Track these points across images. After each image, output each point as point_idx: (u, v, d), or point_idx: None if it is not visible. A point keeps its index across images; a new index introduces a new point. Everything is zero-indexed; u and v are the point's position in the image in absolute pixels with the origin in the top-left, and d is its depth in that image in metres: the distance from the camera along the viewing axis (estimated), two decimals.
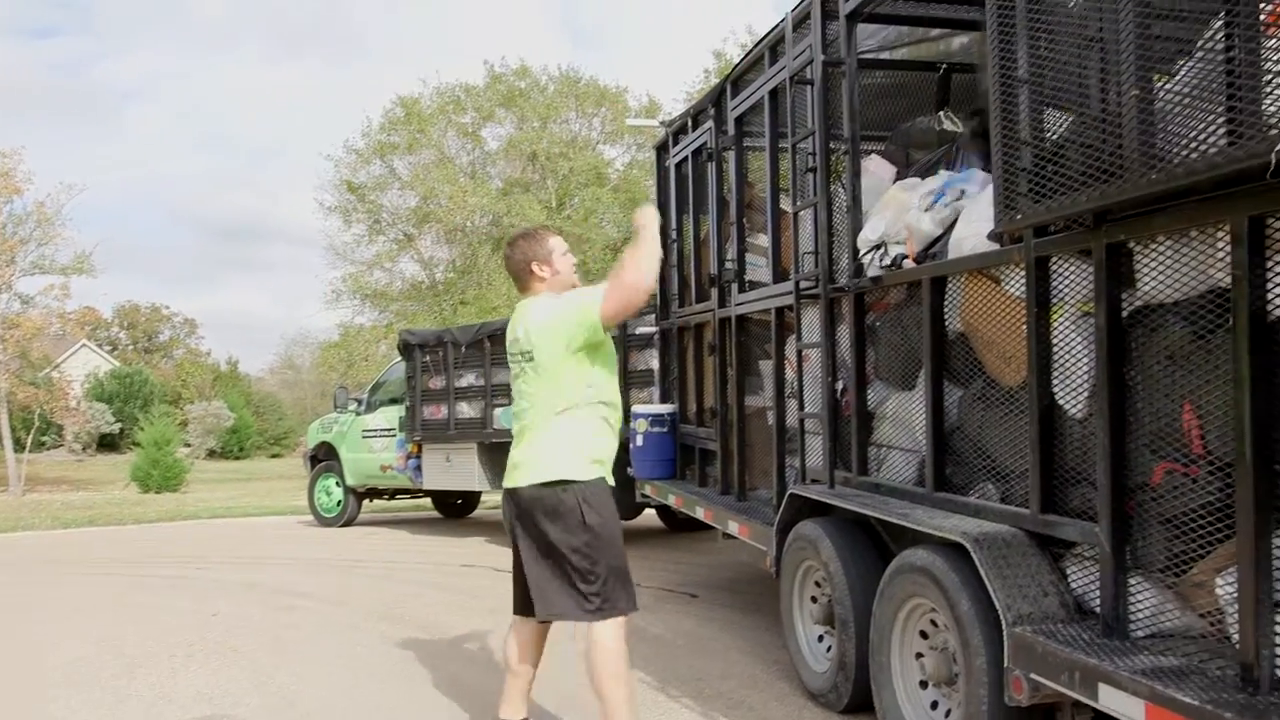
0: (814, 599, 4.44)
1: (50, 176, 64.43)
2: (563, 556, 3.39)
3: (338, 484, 12.05)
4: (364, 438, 11.60)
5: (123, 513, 15.27)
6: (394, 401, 11.44)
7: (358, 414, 11.79)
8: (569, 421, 3.43)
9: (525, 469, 3.48)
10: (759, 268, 5.65)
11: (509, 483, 3.54)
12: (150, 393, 34.44)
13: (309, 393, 41.58)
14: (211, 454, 32.79)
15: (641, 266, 3.33)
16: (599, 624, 3.37)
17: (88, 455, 32.14)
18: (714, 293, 6.04)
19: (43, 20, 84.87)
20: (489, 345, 9.87)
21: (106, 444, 33.01)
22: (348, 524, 12.01)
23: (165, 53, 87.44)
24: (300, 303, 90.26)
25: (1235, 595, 2.27)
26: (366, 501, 12.36)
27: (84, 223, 58.79)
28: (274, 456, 36.04)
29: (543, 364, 3.42)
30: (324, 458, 12.23)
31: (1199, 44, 2.43)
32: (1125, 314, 2.69)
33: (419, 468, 10.84)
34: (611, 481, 3.57)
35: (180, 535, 12.22)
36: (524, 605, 3.59)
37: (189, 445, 30.05)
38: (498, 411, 9.78)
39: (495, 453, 10.15)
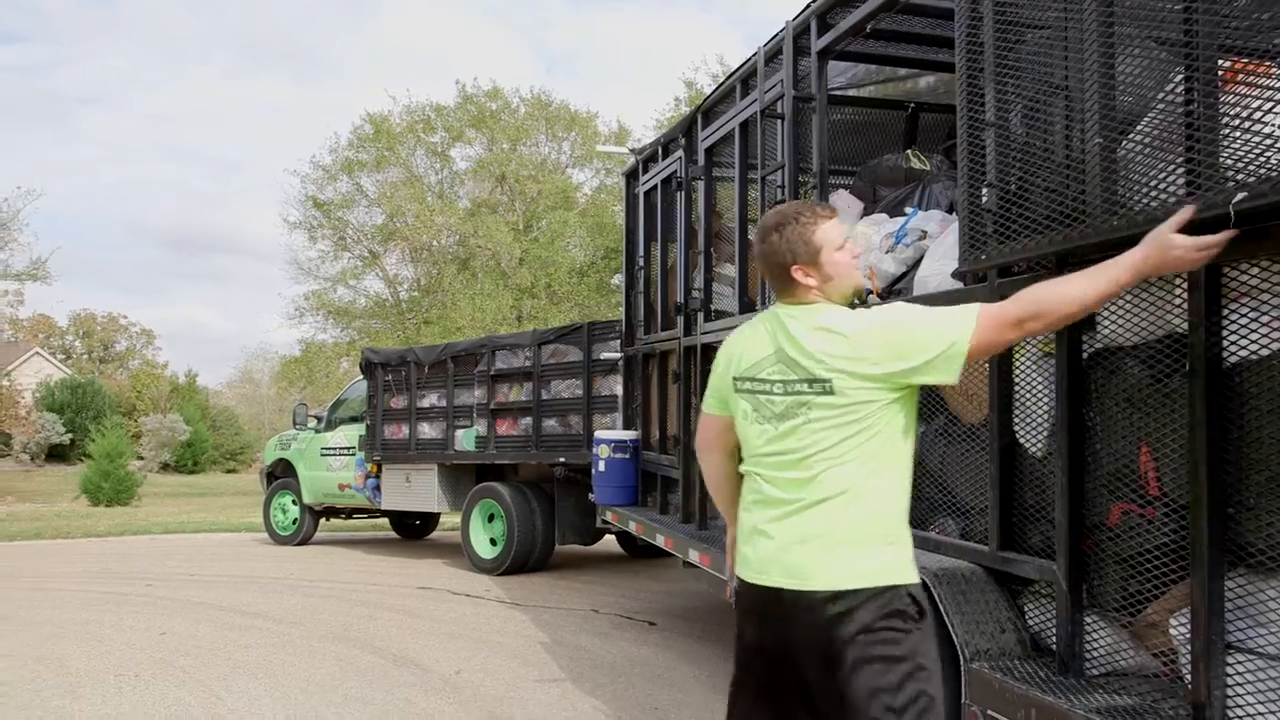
0: None
1: (7, 182, 63.43)
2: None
3: (294, 502, 11.89)
4: (323, 455, 11.47)
5: (71, 526, 14.95)
6: (354, 420, 11.34)
7: (317, 431, 11.66)
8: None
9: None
10: (725, 297, 5.68)
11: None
12: (103, 404, 33.80)
13: (267, 408, 41.11)
14: (165, 468, 32.21)
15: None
16: None
17: (36, 466, 31.43)
18: (680, 321, 6.07)
19: (5, 25, 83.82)
20: (452, 366, 9.84)
21: (56, 455, 32.30)
22: (303, 543, 11.85)
23: (129, 62, 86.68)
24: (260, 317, 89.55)
25: (1188, 636, 2.31)
26: (323, 520, 12.21)
27: (41, 230, 57.76)
28: (230, 472, 35.47)
29: (847, 403, 2.22)
30: (281, 475, 12.07)
31: (1160, 95, 2.50)
32: (1085, 355, 2.74)
33: (378, 487, 10.75)
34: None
35: (130, 550, 11.98)
36: None
37: (142, 458, 29.51)
38: (459, 433, 9.73)
39: (455, 474, 10.10)
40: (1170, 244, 2.11)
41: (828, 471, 2.22)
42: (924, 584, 2.44)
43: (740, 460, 2.45)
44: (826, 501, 2.21)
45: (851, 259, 2.38)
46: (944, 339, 2.18)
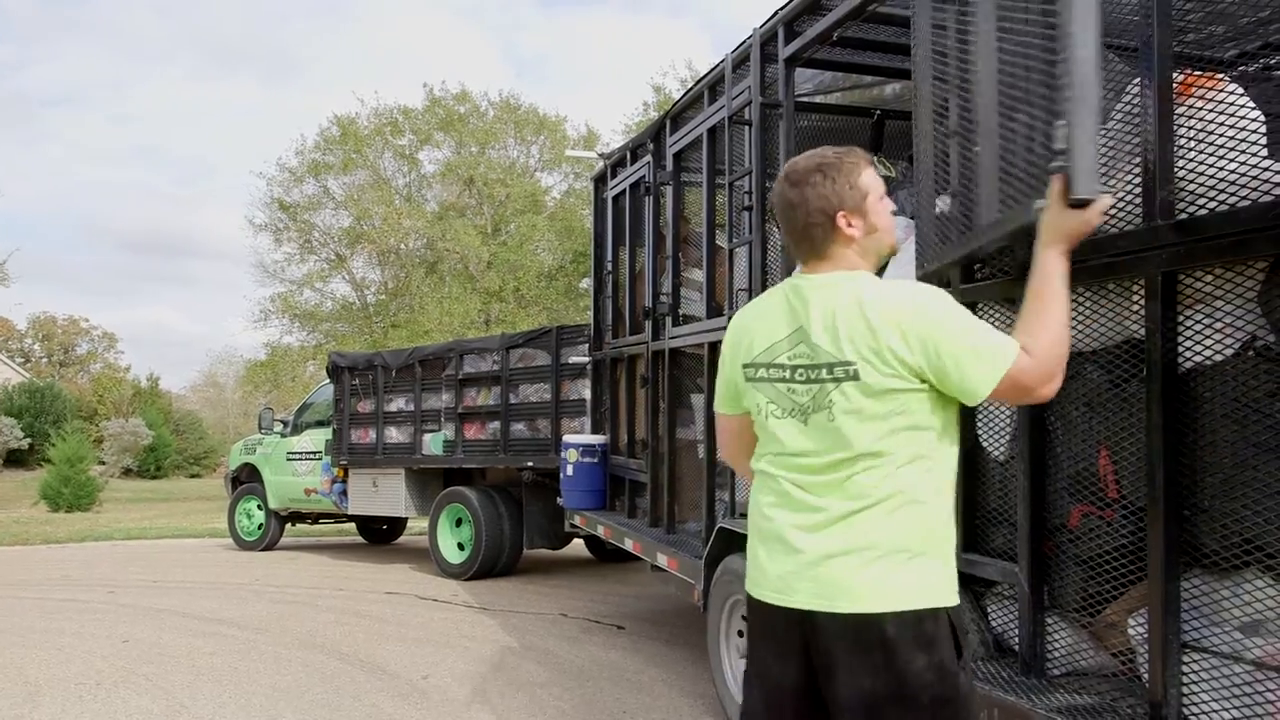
0: (741, 633, 4.47)
1: None
2: None
3: (260, 507, 11.79)
4: (289, 460, 11.38)
5: (30, 532, 14.70)
6: (321, 424, 11.26)
7: (283, 435, 11.57)
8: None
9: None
10: (693, 302, 5.71)
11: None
12: (63, 408, 33.28)
13: (232, 412, 40.64)
14: (127, 472, 31.74)
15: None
16: None
17: None
18: (648, 325, 6.09)
19: None
20: (420, 370, 9.80)
21: (14, 460, 31.74)
22: (269, 548, 11.74)
23: (95, 63, 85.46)
24: (225, 321, 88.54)
25: (1145, 636, 2.36)
26: (289, 525, 12.11)
27: (2, 231, 56.88)
28: (193, 476, 35.03)
29: (875, 390, 1.91)
30: (246, 480, 11.96)
31: (1119, 105, 2.55)
32: None
33: (344, 492, 10.69)
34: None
35: (91, 557, 11.80)
36: None
37: (104, 463, 29.04)
38: (427, 437, 9.69)
39: (423, 478, 10.06)
40: (1067, 220, 1.93)
41: (865, 474, 1.91)
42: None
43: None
44: (866, 510, 1.90)
45: (891, 213, 2.08)
46: (987, 360, 1.87)
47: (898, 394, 1.89)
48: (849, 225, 1.99)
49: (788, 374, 1.99)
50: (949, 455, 1.99)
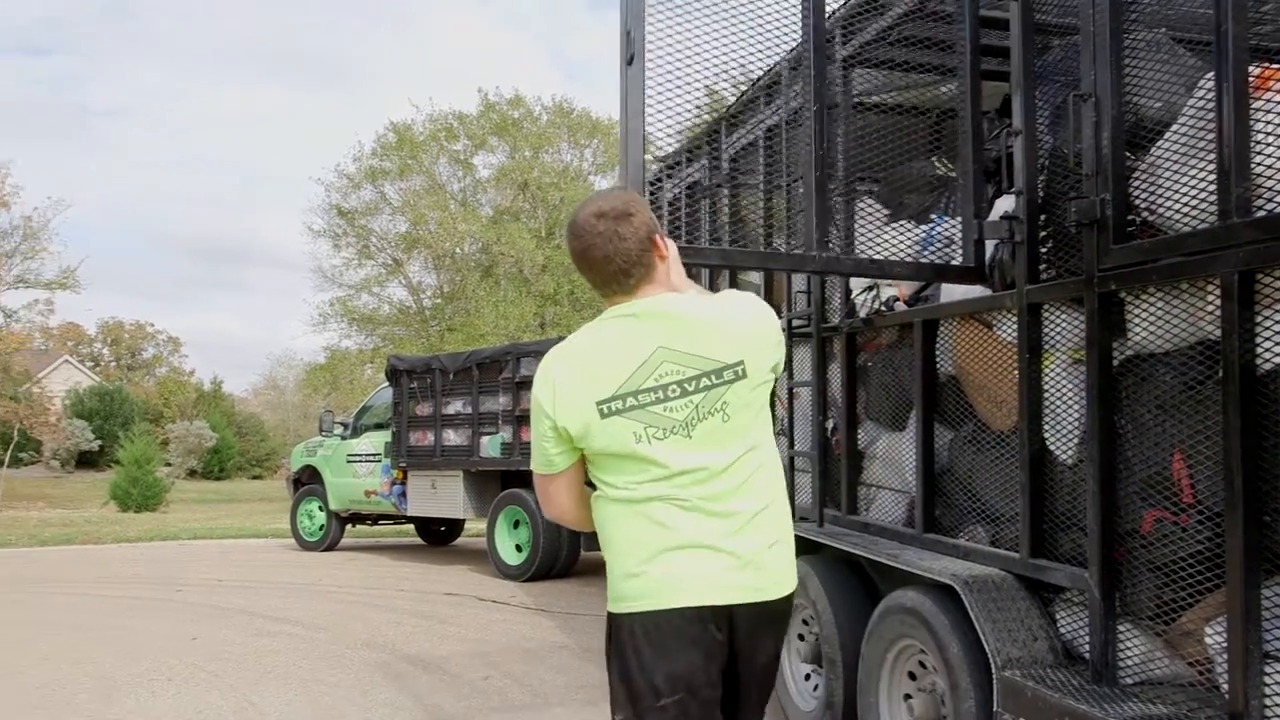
0: (801, 637, 4.44)
1: (37, 192, 64.29)
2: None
3: (321, 508, 11.98)
4: (349, 462, 11.55)
5: (101, 531, 15.12)
6: (380, 426, 11.42)
7: (343, 438, 11.75)
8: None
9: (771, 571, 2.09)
10: None
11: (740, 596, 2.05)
12: (131, 410, 34.16)
13: (292, 414, 41.39)
14: (192, 474, 32.52)
15: None
16: None
17: (66, 472, 31.81)
18: None
19: (36, 39, 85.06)
20: (477, 373, 9.89)
21: (85, 461, 32.68)
22: (330, 548, 11.94)
23: (150, 75, 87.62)
24: (282, 325, 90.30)
25: (1224, 645, 2.30)
26: (349, 526, 12.30)
27: (68, 239, 58.63)
28: (255, 478, 35.76)
29: (755, 384, 2.06)
30: (307, 481, 12.17)
31: (1189, 102, 2.50)
32: (1116, 362, 2.73)
33: (403, 494, 10.82)
34: None
35: (159, 556, 12.11)
36: None
37: (169, 464, 29.76)
38: (485, 440, 9.77)
39: (481, 480, 10.14)
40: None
41: (758, 471, 2.07)
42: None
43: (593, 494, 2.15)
44: (770, 506, 2.08)
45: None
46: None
47: (764, 387, 2.08)
48: (663, 243, 2.12)
49: (660, 394, 2.01)
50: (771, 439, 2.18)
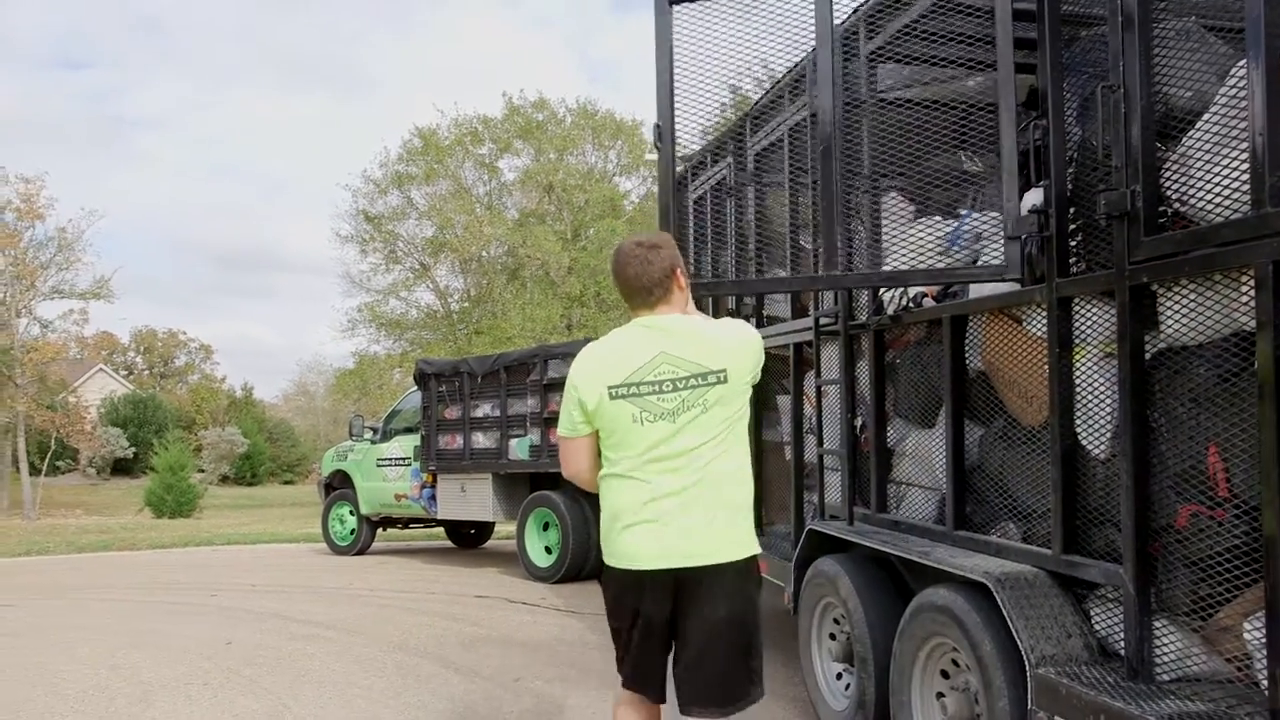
0: (833, 636, 4.43)
1: (71, 203, 65.27)
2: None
3: (352, 512, 12.07)
4: (379, 466, 11.63)
5: (137, 537, 15.32)
6: (409, 430, 11.48)
7: (373, 442, 11.83)
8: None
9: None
10: (777, 303, 5.67)
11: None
12: (164, 418, 34.61)
13: (322, 420, 41.73)
14: (225, 480, 32.89)
15: None
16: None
17: (101, 479, 32.27)
18: None
19: (74, 54, 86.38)
20: (505, 376, 9.92)
21: (120, 469, 33.14)
22: (361, 552, 12.02)
23: (180, 87, 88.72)
24: (310, 331, 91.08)
25: (1263, 640, 2.27)
26: (380, 530, 12.37)
27: (101, 249, 59.52)
28: (287, 483, 36.10)
29: (733, 389, 2.70)
30: (338, 486, 12.26)
31: (1222, 90, 2.46)
32: (1149, 356, 2.70)
33: (433, 497, 10.87)
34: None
35: (194, 561, 12.25)
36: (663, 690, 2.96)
37: (203, 471, 30.13)
38: (513, 442, 9.80)
39: (510, 483, 10.18)
40: None
41: (720, 457, 2.69)
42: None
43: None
44: (724, 483, 2.71)
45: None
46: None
47: (743, 393, 2.74)
48: (681, 277, 2.81)
49: (656, 388, 2.68)
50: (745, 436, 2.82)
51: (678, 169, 6.30)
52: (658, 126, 4.49)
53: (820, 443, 4.77)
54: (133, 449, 32.49)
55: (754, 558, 2.78)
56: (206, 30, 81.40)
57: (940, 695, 3.45)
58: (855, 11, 4.32)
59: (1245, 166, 2.32)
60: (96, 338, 39.14)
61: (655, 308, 2.78)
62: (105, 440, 31.39)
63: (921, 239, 3.91)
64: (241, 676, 5.74)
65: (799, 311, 5.20)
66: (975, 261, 3.61)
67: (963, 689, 3.30)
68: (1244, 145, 2.32)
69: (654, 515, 2.67)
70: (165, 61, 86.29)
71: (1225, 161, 2.42)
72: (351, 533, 12.10)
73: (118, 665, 6.07)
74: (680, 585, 2.70)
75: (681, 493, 2.65)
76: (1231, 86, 2.42)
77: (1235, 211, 2.38)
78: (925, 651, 3.49)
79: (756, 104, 5.55)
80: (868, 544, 3.99)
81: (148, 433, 32.34)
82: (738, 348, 2.74)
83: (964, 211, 3.75)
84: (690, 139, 4.23)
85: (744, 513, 2.76)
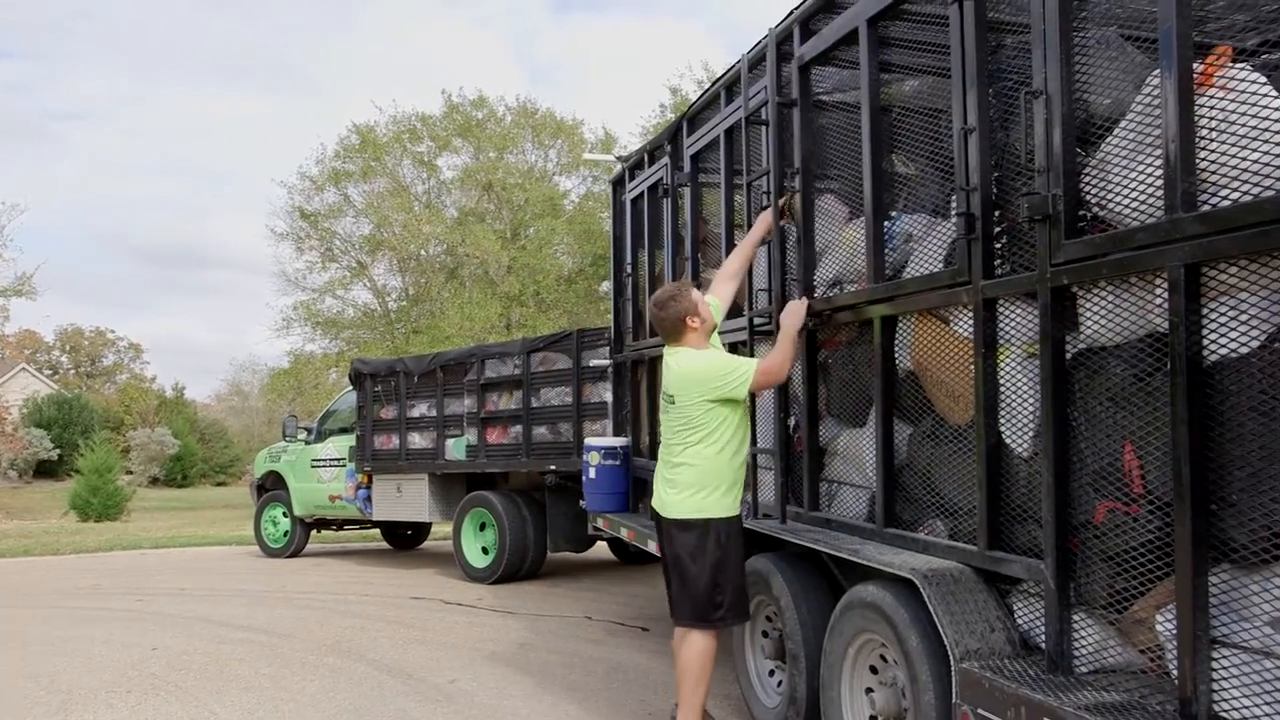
0: (765, 634, 4.46)
1: None
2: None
3: (285, 514, 11.86)
4: (313, 467, 11.45)
5: (60, 542, 14.87)
6: (344, 431, 11.33)
7: (307, 443, 11.64)
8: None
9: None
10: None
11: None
12: (91, 419, 33.65)
13: (256, 420, 40.88)
14: (154, 482, 32.08)
15: (784, 359, 3.98)
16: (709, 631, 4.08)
17: (24, 483, 31.24)
18: None
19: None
20: (442, 375, 9.83)
21: (44, 471, 32.12)
22: (295, 555, 11.82)
23: (110, 79, 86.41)
24: (245, 329, 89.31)
25: (1174, 631, 2.34)
26: (315, 532, 12.18)
27: (25, 245, 57.71)
28: (219, 485, 35.32)
29: (682, 406, 4.04)
30: (271, 487, 12.05)
31: (1138, 98, 2.53)
32: (1069, 355, 2.77)
33: (369, 498, 10.74)
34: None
35: (120, 566, 11.92)
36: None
37: (131, 473, 29.36)
38: (449, 442, 9.72)
39: (446, 483, 10.09)
40: (797, 311, 4.07)
41: (686, 448, 4.05)
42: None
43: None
44: (686, 464, 4.05)
45: (706, 307, 4.18)
46: (730, 375, 3.98)
47: (692, 409, 4.02)
48: (691, 323, 4.11)
49: (667, 397, 4.14)
50: (719, 437, 4.04)
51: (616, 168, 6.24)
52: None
53: (754, 442, 4.80)
54: (57, 450, 31.51)
55: (691, 519, 4.03)
56: (137, 22, 79.36)
57: (869, 690, 3.49)
58: (790, 15, 4.36)
59: (1159, 172, 2.38)
60: (19, 336, 37.96)
61: (675, 344, 4.14)
62: (28, 442, 30.40)
63: (856, 240, 3.96)
64: (166, 683, 5.60)
65: (734, 312, 5.23)
66: (906, 261, 3.66)
67: (891, 684, 3.35)
68: (1158, 152, 2.39)
69: (656, 476, 4.23)
70: (94, 53, 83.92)
71: (1141, 167, 2.49)
72: (285, 535, 11.89)
73: (35, 674, 5.88)
74: (659, 526, 4.20)
75: (672, 466, 4.10)
76: (1146, 94, 2.49)
77: (1150, 216, 2.45)
78: (855, 647, 3.53)
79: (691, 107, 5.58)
80: (799, 542, 4.02)
81: (73, 434, 31.41)
82: (684, 380, 4.02)
83: (894, 213, 3.81)
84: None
85: (684, 490, 4.05)
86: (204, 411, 42.80)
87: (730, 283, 4.48)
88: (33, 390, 36.50)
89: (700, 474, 4.00)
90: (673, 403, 4.04)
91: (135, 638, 6.96)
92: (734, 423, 4.05)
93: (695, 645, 4.03)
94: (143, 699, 5.25)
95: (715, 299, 4.39)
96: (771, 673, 4.45)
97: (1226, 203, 2.22)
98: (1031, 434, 2.93)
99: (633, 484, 6.94)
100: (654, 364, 6.59)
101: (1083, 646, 2.71)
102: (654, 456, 6.71)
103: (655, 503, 4.17)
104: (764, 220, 4.48)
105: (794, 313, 4.07)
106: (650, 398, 6.70)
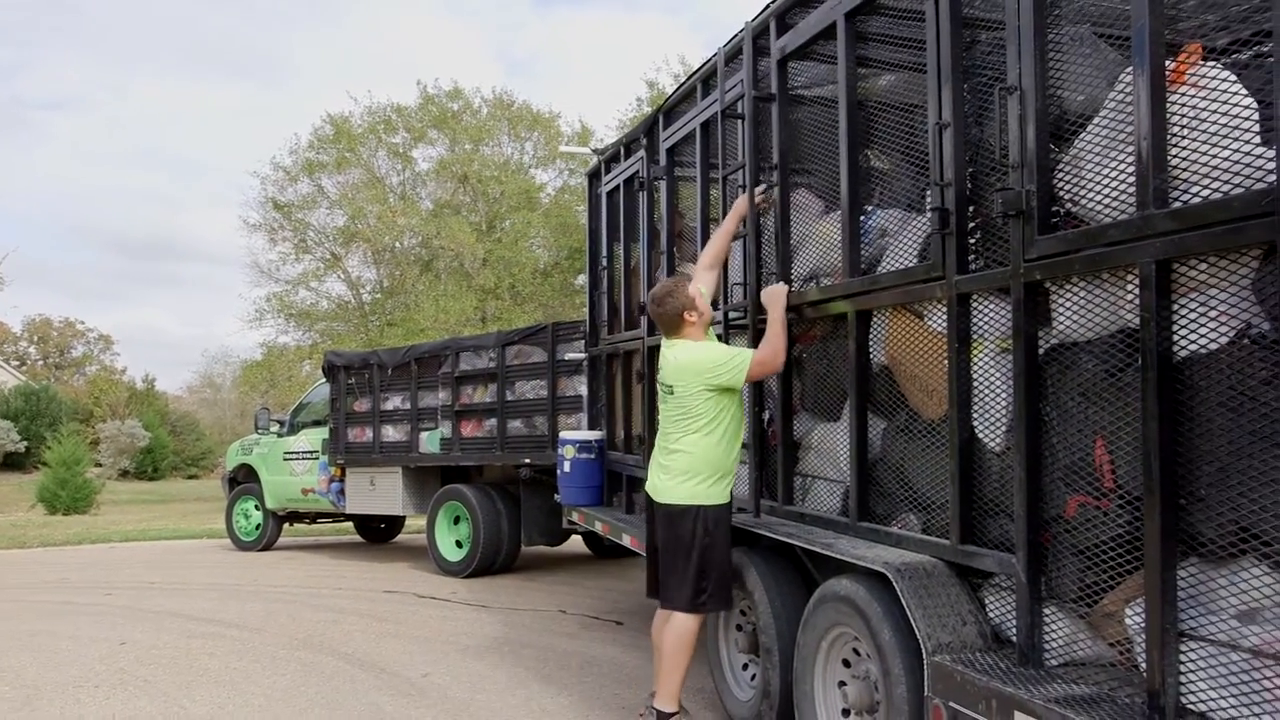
0: (739, 627, 4.47)
1: None
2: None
3: (257, 507, 11.77)
4: (285, 460, 11.36)
5: (27, 535, 14.67)
6: (318, 424, 11.23)
7: (280, 436, 11.54)
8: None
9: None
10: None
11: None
12: (59, 410, 33.19)
13: (229, 413, 40.51)
14: (125, 474, 31.69)
15: (778, 346, 4.03)
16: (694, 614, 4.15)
17: None
18: (644, 321, 6.08)
19: None
20: (416, 368, 9.78)
21: (11, 463, 31.65)
22: (267, 548, 11.73)
23: (85, 67, 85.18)
24: (217, 321, 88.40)
25: (1143, 625, 2.36)
26: (287, 525, 12.09)
27: None
28: (191, 478, 34.95)
29: (680, 396, 4.13)
30: (243, 480, 11.95)
31: (1111, 95, 2.54)
32: (1041, 351, 2.79)
33: (341, 491, 10.67)
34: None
35: (89, 560, 11.77)
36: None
37: (100, 465, 28.99)
38: (423, 435, 9.67)
39: (420, 476, 10.05)
40: (779, 294, 4.11)
41: (686, 434, 4.13)
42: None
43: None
44: (681, 452, 4.13)
45: (703, 300, 4.26)
46: (727, 364, 4.05)
47: (695, 395, 4.09)
48: (689, 316, 4.20)
49: (664, 386, 4.25)
50: (716, 427, 4.11)
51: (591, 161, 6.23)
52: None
53: None
54: (24, 443, 31.06)
55: (683, 505, 4.11)
56: (113, 11, 78.34)
57: (842, 684, 3.51)
58: (766, 9, 4.36)
59: (1131, 169, 2.40)
60: None
61: (674, 336, 4.25)
62: None
63: (831, 234, 3.97)
64: (135, 677, 5.54)
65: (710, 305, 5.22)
66: (881, 256, 3.67)
67: (863, 677, 3.37)
68: (1130, 148, 2.41)
69: (652, 461, 4.34)
70: (68, 41, 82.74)
71: (1113, 163, 2.50)
72: (257, 528, 11.79)
73: (1, 669, 5.80)
74: (651, 508, 4.30)
75: (667, 452, 4.20)
76: (1119, 92, 2.50)
77: (1122, 212, 2.46)
78: (828, 641, 3.55)
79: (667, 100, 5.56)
80: (773, 535, 4.03)
81: (41, 426, 30.96)
82: (683, 370, 4.12)
83: (869, 207, 3.81)
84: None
85: (677, 476, 4.14)
86: (175, 404, 42.33)
87: (710, 274, 4.50)
88: (0, 381, 35.98)
89: (695, 461, 4.08)
90: (671, 393, 4.14)
91: (103, 632, 6.88)
92: (731, 412, 4.12)
93: (677, 627, 4.10)
94: (111, 694, 5.20)
95: (704, 288, 4.40)
96: (745, 666, 4.46)
97: (1197, 200, 2.24)
98: (1004, 429, 2.95)
99: (607, 478, 6.94)
100: (629, 357, 6.59)
101: (1053, 640, 2.73)
102: (629, 450, 6.76)
103: (649, 487, 4.28)
104: (738, 209, 4.50)
105: (777, 296, 4.10)
106: (625, 391, 6.70)
